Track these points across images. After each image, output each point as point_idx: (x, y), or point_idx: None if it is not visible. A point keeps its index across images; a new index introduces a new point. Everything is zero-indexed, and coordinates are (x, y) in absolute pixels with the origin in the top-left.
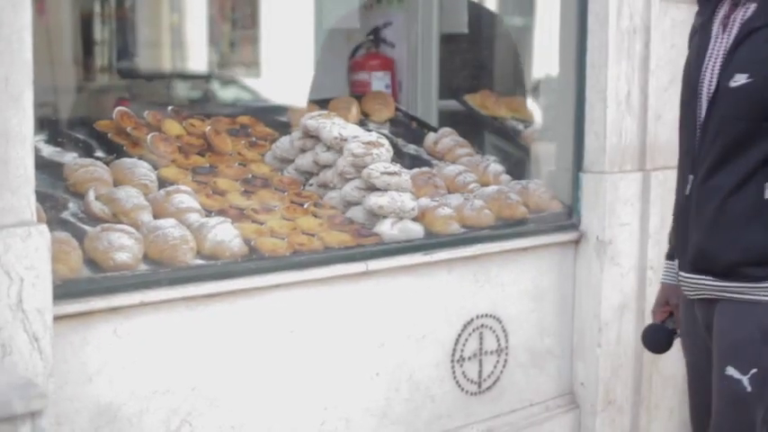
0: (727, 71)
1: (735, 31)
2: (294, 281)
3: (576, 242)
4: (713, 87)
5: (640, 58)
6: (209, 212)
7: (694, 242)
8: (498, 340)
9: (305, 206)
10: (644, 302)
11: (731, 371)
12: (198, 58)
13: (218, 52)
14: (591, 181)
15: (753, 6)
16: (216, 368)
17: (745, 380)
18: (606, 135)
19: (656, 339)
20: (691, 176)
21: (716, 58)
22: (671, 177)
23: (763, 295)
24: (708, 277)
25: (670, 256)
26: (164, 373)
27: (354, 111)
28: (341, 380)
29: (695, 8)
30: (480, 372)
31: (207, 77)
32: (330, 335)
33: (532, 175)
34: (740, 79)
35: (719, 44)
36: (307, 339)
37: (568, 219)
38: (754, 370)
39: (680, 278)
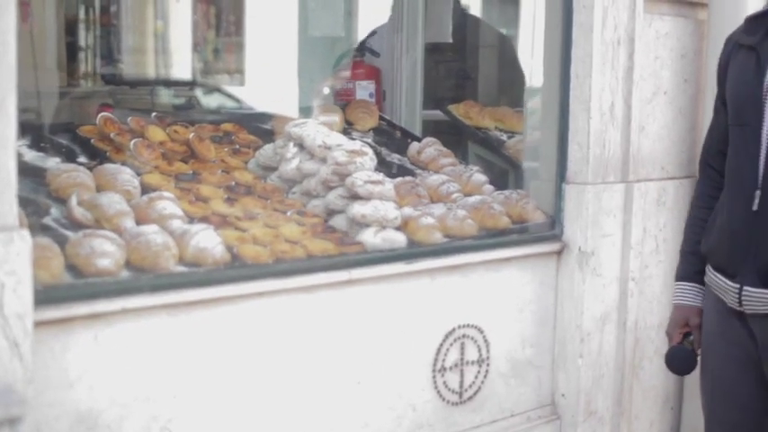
0: None
1: None
2: (276, 289)
3: (559, 253)
4: None
5: (624, 69)
6: (191, 219)
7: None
8: (480, 350)
9: (288, 214)
10: (625, 313)
11: None
12: (182, 64)
13: (202, 59)
14: (574, 192)
15: None
16: (197, 376)
17: None
18: (589, 146)
19: (683, 361)
20: (758, 192)
21: None
22: (653, 189)
23: None
24: None
25: (685, 276)
26: (145, 380)
27: (338, 119)
28: (323, 388)
29: (680, 20)
30: (462, 382)
31: (191, 84)
32: (312, 343)
33: (516, 186)
34: None
35: None
36: (288, 347)
37: (551, 229)
38: None
39: (743, 293)
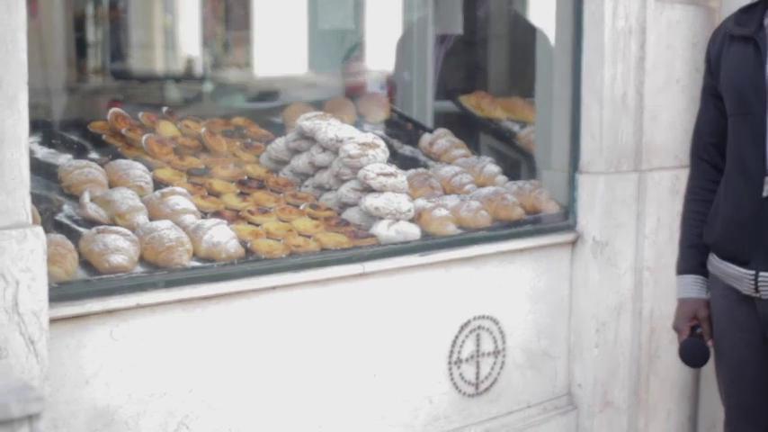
0: None
1: None
2: (290, 282)
3: (573, 243)
4: None
5: (636, 58)
6: (204, 214)
7: None
8: (495, 342)
9: (301, 207)
10: (641, 303)
11: None
12: (192, 58)
13: (211, 53)
14: (587, 182)
15: None
16: (213, 371)
17: None
18: (602, 136)
19: (697, 354)
20: (767, 178)
21: None
22: (666, 178)
23: None
24: None
25: (688, 270)
26: (160, 375)
27: (350, 112)
28: (338, 381)
29: (691, 9)
30: (477, 373)
31: (201, 78)
32: (327, 336)
33: (528, 176)
34: None
35: None
36: (303, 341)
37: (565, 220)
38: None
39: (760, 279)
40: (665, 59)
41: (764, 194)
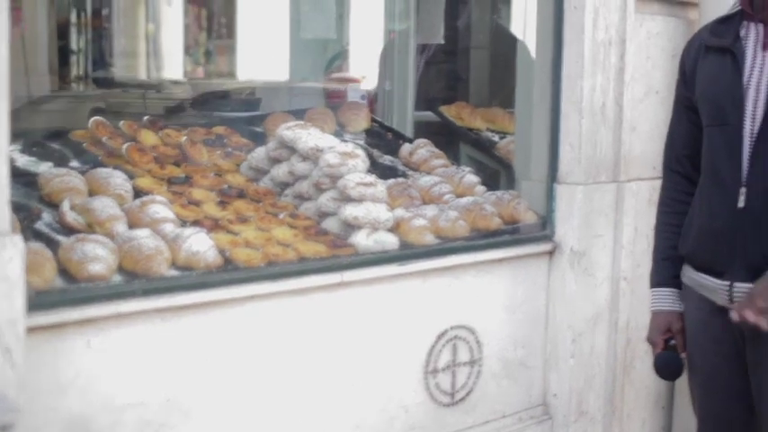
0: None
1: None
2: (269, 292)
3: (551, 253)
4: (762, 101)
5: (616, 69)
6: (184, 223)
7: (761, 251)
8: (472, 351)
9: (280, 216)
10: (617, 313)
11: None
12: (174, 67)
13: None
14: (565, 192)
15: None
16: (190, 380)
17: None
18: (581, 146)
19: (670, 366)
20: (743, 189)
21: (760, 75)
22: (644, 188)
23: None
24: None
25: (662, 282)
26: (137, 384)
27: (330, 121)
28: (315, 390)
29: (671, 20)
30: (453, 383)
31: (183, 87)
32: (305, 345)
33: (507, 187)
34: None
35: (762, 61)
36: (281, 350)
37: (543, 230)
38: None
39: (734, 290)
40: (644, 71)
41: (740, 205)
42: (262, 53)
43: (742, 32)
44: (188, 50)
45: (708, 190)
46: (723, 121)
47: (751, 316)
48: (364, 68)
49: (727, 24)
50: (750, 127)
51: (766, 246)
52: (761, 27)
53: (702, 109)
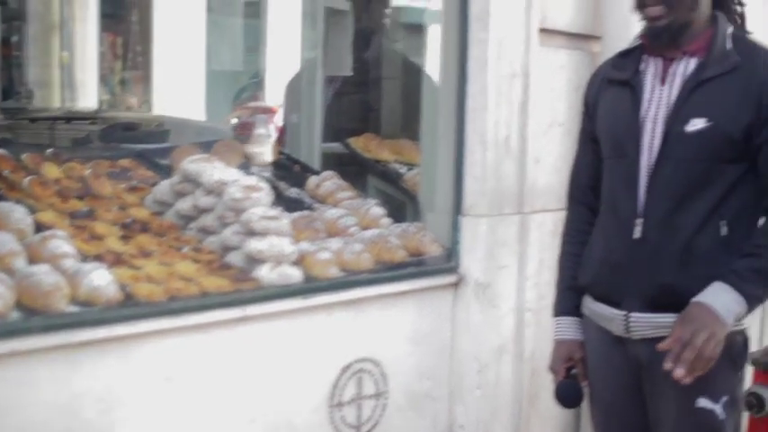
0: (679, 117)
1: (678, 82)
2: (170, 327)
3: (456, 285)
4: (659, 134)
5: (520, 102)
6: (85, 258)
7: (657, 282)
8: (377, 384)
9: (183, 251)
10: (522, 344)
11: (703, 402)
12: (87, 97)
13: (109, 91)
14: (470, 224)
15: (693, 60)
16: (90, 417)
17: (717, 408)
18: (485, 178)
19: (571, 395)
20: (639, 220)
21: (657, 108)
22: (549, 220)
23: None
24: (669, 314)
25: (564, 311)
26: (35, 423)
27: (237, 154)
28: (217, 427)
29: (575, 53)
30: (359, 416)
31: (94, 118)
32: (207, 381)
33: (414, 218)
34: (698, 124)
35: (660, 95)
36: (184, 386)
37: (448, 262)
38: (725, 397)
39: (630, 320)
40: (548, 103)
41: (636, 236)
42: (177, 84)
43: (642, 66)
44: (103, 79)
45: (606, 221)
46: (621, 153)
47: (681, 375)
48: (279, 99)
49: (628, 58)
50: (647, 159)
51: (661, 276)
52: (659, 61)
53: (602, 141)
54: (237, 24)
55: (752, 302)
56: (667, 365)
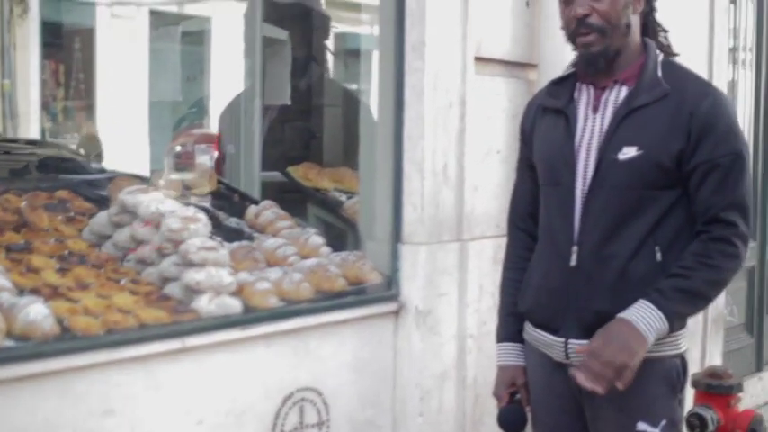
0: (611, 145)
1: (609, 110)
2: (108, 360)
3: (396, 313)
4: (592, 162)
5: (457, 130)
6: (22, 291)
7: (592, 308)
8: (319, 413)
9: (121, 283)
10: (464, 370)
11: (643, 426)
12: (31, 125)
13: (51, 119)
14: (409, 252)
15: (624, 89)
16: None
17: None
18: (423, 207)
19: (514, 420)
20: (575, 248)
21: (591, 136)
22: (488, 247)
23: (666, 350)
24: None
25: (506, 337)
26: None
27: (176, 184)
28: None
29: (511, 81)
30: None
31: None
32: (147, 414)
33: (354, 247)
34: (629, 152)
35: (592, 123)
36: (124, 420)
37: (388, 290)
38: (664, 421)
39: (569, 346)
40: (485, 131)
41: (572, 264)
42: (119, 113)
43: (575, 94)
44: (45, 107)
45: (544, 248)
46: (557, 181)
47: (584, 380)
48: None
49: (563, 86)
50: (581, 187)
51: (597, 303)
52: (591, 89)
53: (539, 169)
54: (177, 54)
55: (673, 320)
56: (572, 371)
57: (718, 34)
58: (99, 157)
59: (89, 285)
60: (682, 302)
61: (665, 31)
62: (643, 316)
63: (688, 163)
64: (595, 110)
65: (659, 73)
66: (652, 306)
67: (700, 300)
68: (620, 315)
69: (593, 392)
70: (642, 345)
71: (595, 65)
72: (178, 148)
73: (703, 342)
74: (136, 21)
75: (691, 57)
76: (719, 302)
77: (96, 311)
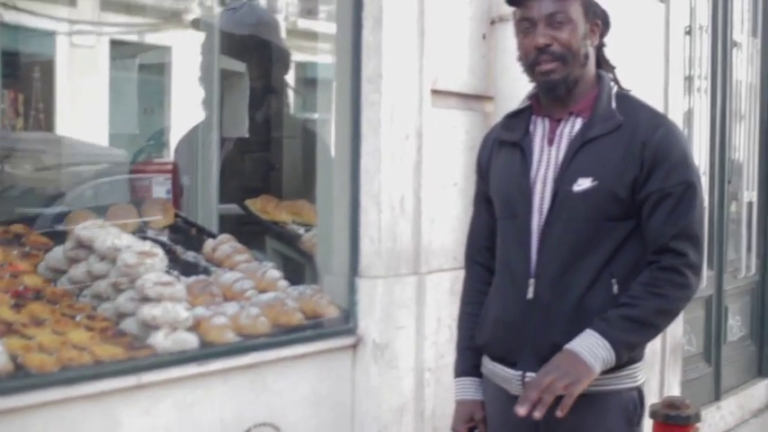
0: (566, 177)
1: (565, 142)
2: (63, 398)
3: (354, 346)
4: (548, 194)
5: (414, 162)
6: None
7: (549, 341)
8: None
9: (77, 318)
10: (423, 403)
11: None
12: None
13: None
14: (367, 285)
15: (579, 121)
16: None
17: None
18: (380, 239)
19: None
20: (532, 281)
21: (546, 169)
22: (446, 279)
23: (624, 383)
24: None
25: (464, 372)
26: None
27: (133, 218)
28: None
29: (468, 113)
30: None
31: None
32: None
33: (312, 280)
34: (584, 183)
35: (548, 156)
36: None
37: (345, 324)
38: None
39: (527, 379)
40: (442, 163)
41: (529, 297)
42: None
43: (531, 127)
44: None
45: (501, 281)
46: (513, 214)
47: (518, 408)
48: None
49: (518, 119)
50: (538, 220)
51: (554, 336)
52: (547, 121)
53: (495, 202)
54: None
55: (620, 349)
56: (517, 407)
57: (674, 65)
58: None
59: (44, 321)
60: (628, 331)
61: (614, 67)
62: (588, 345)
63: (640, 192)
64: (551, 142)
65: (613, 104)
66: (597, 335)
67: (647, 329)
68: (567, 346)
69: (554, 425)
70: (587, 374)
71: (555, 91)
72: (135, 181)
73: (662, 372)
74: (96, 50)
75: (647, 87)
76: (677, 332)
77: (51, 348)
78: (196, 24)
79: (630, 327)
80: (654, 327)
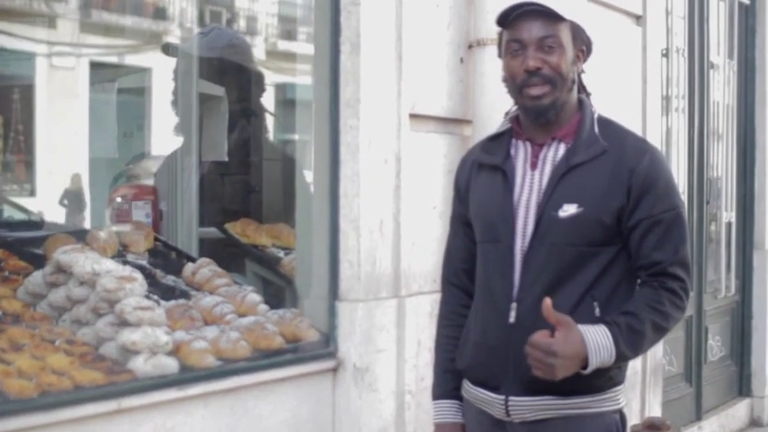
0: (551, 202)
1: (548, 167)
2: (43, 423)
3: (335, 370)
4: (532, 219)
5: (393, 186)
6: None
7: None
8: None
9: (57, 343)
10: (403, 426)
11: None
12: None
13: None
14: (346, 309)
15: (563, 146)
16: None
17: None
18: (360, 263)
19: None
20: (514, 305)
21: (530, 193)
22: (426, 302)
23: (606, 406)
24: (548, 397)
25: (443, 395)
26: None
27: (112, 242)
28: None
29: (446, 137)
30: None
31: None
32: None
33: (292, 304)
34: (570, 209)
35: (531, 180)
36: None
37: (326, 347)
38: None
39: (510, 404)
40: (421, 187)
41: (511, 321)
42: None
43: (512, 151)
44: None
45: (481, 305)
46: (495, 238)
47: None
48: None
49: (498, 142)
50: (520, 244)
51: None
52: (528, 145)
53: (476, 226)
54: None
55: (619, 359)
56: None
57: (651, 85)
58: (37, 213)
59: (23, 347)
60: (630, 343)
61: (589, 93)
62: (601, 348)
63: (629, 219)
64: (534, 166)
65: (596, 130)
66: (612, 341)
67: (643, 344)
68: (589, 341)
69: None
70: (576, 368)
71: (546, 116)
72: (115, 204)
73: (643, 392)
74: (76, 72)
75: (625, 107)
76: (658, 352)
77: (30, 373)
78: (166, 49)
79: (633, 340)
80: (648, 342)
